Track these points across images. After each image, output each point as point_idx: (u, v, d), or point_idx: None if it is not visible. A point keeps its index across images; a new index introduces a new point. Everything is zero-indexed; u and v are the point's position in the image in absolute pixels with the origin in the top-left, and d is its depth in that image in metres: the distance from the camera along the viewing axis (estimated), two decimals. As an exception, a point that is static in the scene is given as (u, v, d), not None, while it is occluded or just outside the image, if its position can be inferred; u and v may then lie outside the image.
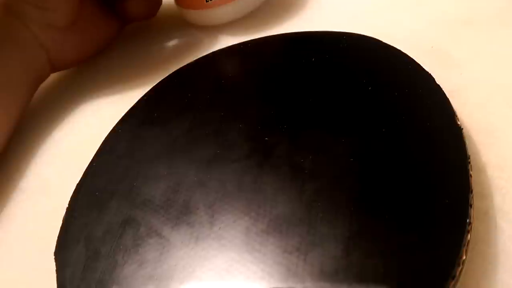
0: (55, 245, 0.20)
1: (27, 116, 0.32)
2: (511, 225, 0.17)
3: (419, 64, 0.21)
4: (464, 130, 0.18)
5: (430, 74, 0.21)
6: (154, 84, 0.28)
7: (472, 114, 0.21)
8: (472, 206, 0.16)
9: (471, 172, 0.17)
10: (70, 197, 0.23)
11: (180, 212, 0.19)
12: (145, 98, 0.27)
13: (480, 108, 0.21)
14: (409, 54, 0.22)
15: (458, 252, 0.14)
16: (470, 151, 0.17)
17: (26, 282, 0.22)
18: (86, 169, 0.24)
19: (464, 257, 0.15)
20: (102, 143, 0.25)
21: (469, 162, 0.17)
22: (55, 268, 0.19)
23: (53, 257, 0.20)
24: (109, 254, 0.19)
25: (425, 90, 0.20)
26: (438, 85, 0.20)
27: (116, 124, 0.26)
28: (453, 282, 0.14)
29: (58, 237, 0.21)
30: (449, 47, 0.24)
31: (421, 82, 0.21)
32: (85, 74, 0.35)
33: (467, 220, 0.15)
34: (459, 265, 0.14)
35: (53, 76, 0.35)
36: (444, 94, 0.20)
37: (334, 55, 0.24)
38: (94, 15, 0.34)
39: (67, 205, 0.22)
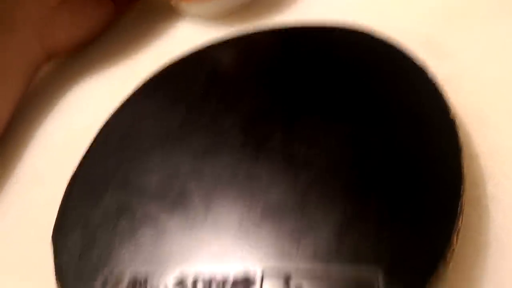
0: (51, 233, 0.21)
1: (20, 107, 0.32)
2: (503, 214, 0.17)
3: (412, 55, 0.21)
4: (457, 120, 0.18)
5: (424, 64, 0.21)
6: (148, 76, 0.28)
7: (465, 102, 0.21)
8: (464, 194, 0.16)
9: (463, 161, 0.17)
10: (64, 187, 0.23)
11: (176, 200, 0.19)
12: (138, 89, 0.27)
13: (473, 97, 0.21)
14: (402, 45, 0.22)
15: (449, 238, 0.15)
16: (462, 140, 0.18)
17: (24, 268, 0.22)
18: (81, 159, 0.24)
19: (455, 244, 0.15)
20: (96, 134, 0.25)
21: (461, 151, 0.17)
22: (52, 255, 0.20)
23: (50, 243, 0.20)
24: (106, 240, 0.19)
25: (419, 81, 0.20)
26: (432, 75, 0.20)
27: (110, 115, 0.26)
28: (443, 269, 0.14)
29: (55, 223, 0.21)
30: (443, 38, 0.24)
31: (415, 73, 0.21)
32: (77, 66, 0.35)
33: (459, 207, 0.15)
34: (449, 251, 0.14)
35: (45, 67, 0.35)
36: (438, 85, 0.20)
37: (326, 47, 0.24)
38: None
39: (62, 195, 0.22)
